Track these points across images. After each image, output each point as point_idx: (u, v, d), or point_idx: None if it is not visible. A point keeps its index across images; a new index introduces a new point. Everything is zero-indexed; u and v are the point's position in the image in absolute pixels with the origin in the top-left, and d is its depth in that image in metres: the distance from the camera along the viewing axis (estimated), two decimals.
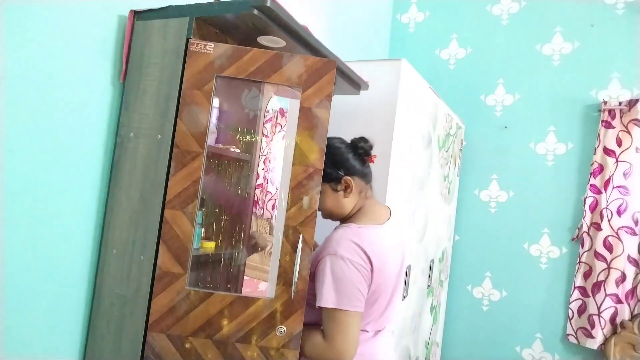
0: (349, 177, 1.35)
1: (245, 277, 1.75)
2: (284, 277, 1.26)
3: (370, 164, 1.43)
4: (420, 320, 2.39)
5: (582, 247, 2.59)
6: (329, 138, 1.36)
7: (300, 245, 1.25)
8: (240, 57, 1.26)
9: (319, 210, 1.38)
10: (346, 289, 1.23)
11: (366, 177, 1.40)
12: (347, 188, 1.36)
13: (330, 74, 1.31)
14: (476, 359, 2.86)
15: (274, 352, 1.25)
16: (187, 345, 1.24)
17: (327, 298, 1.23)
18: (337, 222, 1.44)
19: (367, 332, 1.35)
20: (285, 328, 1.25)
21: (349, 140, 1.42)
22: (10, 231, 1.16)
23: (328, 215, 1.42)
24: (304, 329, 1.27)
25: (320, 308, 1.25)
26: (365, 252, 1.26)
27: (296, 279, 1.24)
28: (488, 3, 3.00)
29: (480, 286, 2.90)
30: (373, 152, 1.43)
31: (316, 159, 1.27)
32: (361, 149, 1.38)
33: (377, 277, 1.28)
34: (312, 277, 1.29)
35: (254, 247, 1.76)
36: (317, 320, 1.31)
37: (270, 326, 1.25)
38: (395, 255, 1.38)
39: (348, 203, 1.37)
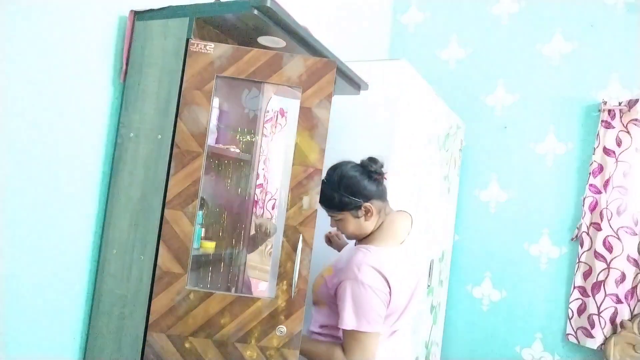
0: (368, 204, 1.38)
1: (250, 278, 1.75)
2: (284, 277, 1.26)
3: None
4: (420, 320, 2.39)
5: (582, 247, 2.59)
6: (341, 165, 1.41)
7: (300, 245, 1.25)
8: (240, 57, 1.26)
9: (343, 233, 1.44)
10: (366, 313, 1.28)
11: (382, 196, 1.43)
12: (367, 213, 1.39)
13: (330, 74, 1.31)
14: (476, 359, 2.86)
15: (274, 352, 1.25)
16: (187, 345, 1.24)
17: (347, 321, 1.29)
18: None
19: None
20: (285, 328, 1.25)
21: (358, 161, 1.44)
22: (11, 231, 1.16)
23: (352, 237, 1.47)
24: (326, 342, 1.36)
25: (343, 330, 1.32)
26: (384, 278, 1.31)
27: (296, 278, 1.24)
28: (488, 3, 3.00)
29: (480, 286, 2.90)
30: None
31: (316, 159, 1.28)
32: (374, 172, 1.41)
33: (395, 299, 1.34)
34: (333, 297, 1.36)
35: (265, 233, 1.76)
36: (330, 323, 1.39)
37: (270, 326, 1.25)
38: (411, 276, 1.43)
39: (370, 225, 1.42)
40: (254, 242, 1.73)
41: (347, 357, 1.30)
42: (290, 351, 1.26)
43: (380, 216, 1.43)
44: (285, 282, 1.26)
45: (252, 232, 1.72)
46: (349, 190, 1.38)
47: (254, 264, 1.78)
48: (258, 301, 1.26)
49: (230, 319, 1.25)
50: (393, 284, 1.32)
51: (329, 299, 1.38)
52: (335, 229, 1.51)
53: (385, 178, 1.45)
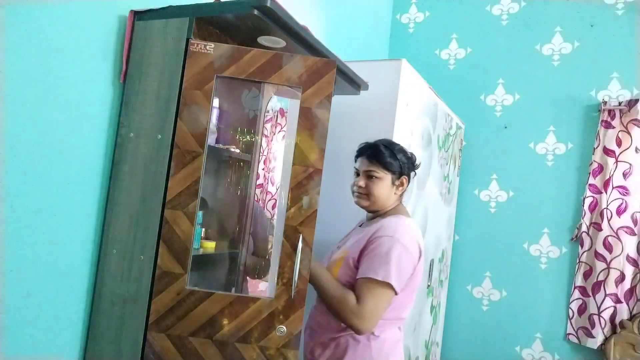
0: (406, 177, 1.50)
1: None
2: (284, 277, 1.26)
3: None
4: (420, 320, 2.39)
5: (582, 247, 2.59)
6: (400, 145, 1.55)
7: (300, 245, 1.25)
8: (240, 57, 1.26)
9: (369, 194, 1.47)
10: (393, 267, 1.31)
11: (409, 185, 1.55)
12: (401, 185, 1.49)
13: (330, 75, 1.31)
14: (476, 359, 2.86)
15: (274, 351, 1.26)
16: (188, 345, 1.24)
17: (369, 271, 1.32)
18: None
19: (391, 320, 1.42)
20: (285, 328, 1.26)
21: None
22: (11, 231, 1.16)
23: (373, 202, 1.48)
24: (341, 286, 1.36)
25: (361, 278, 1.33)
26: (418, 243, 1.41)
27: (296, 278, 1.24)
28: (488, 3, 3.00)
29: (480, 286, 2.90)
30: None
31: (316, 159, 1.28)
32: (416, 167, 1.56)
33: (419, 265, 1.42)
34: (355, 273, 1.38)
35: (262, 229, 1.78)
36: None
37: (270, 326, 1.25)
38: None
39: (392, 199, 1.49)
40: (255, 248, 1.74)
41: (359, 306, 1.29)
42: (291, 351, 1.26)
43: (399, 200, 1.53)
44: (285, 282, 1.26)
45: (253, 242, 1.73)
46: (406, 159, 1.50)
47: (254, 264, 1.78)
48: (258, 301, 1.26)
49: (231, 319, 1.25)
50: (422, 251, 1.43)
51: (352, 278, 1.38)
52: (356, 187, 1.51)
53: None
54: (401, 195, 1.52)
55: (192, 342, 1.24)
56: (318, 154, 1.28)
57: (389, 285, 1.30)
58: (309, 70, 1.29)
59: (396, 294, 1.33)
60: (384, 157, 1.45)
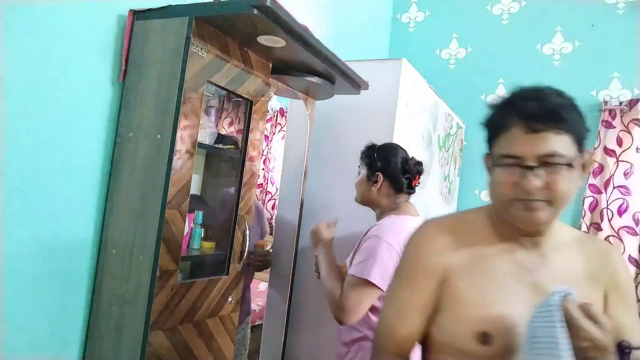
0: (380, 174, 1.51)
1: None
2: (236, 256, 1.53)
3: (417, 186, 1.58)
4: None
5: None
6: (396, 146, 1.59)
7: (247, 228, 1.55)
8: (220, 67, 1.35)
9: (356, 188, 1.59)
10: (375, 265, 1.34)
11: (399, 187, 1.53)
12: (376, 182, 1.52)
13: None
14: None
15: (227, 318, 1.52)
16: (177, 336, 1.32)
17: (354, 268, 1.37)
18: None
19: None
20: (232, 297, 1.52)
21: (410, 155, 1.58)
22: (10, 231, 1.16)
23: (358, 196, 1.58)
24: (335, 279, 1.43)
25: (348, 275, 1.40)
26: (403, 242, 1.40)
27: (245, 256, 1.54)
28: (488, 3, 3.00)
29: None
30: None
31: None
32: (408, 169, 1.53)
33: None
34: (353, 254, 1.45)
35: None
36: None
37: (225, 298, 1.49)
38: None
39: (375, 195, 1.53)
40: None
41: (342, 298, 1.35)
42: (235, 314, 1.54)
43: (389, 201, 1.53)
44: (237, 259, 1.53)
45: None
46: (382, 156, 1.53)
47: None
48: (220, 280, 1.48)
49: (204, 300, 1.41)
50: None
51: None
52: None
53: (417, 182, 1.56)
54: (390, 198, 1.52)
55: (180, 330, 1.34)
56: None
57: (369, 282, 1.33)
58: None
59: (383, 290, 1.35)
60: (362, 153, 1.56)
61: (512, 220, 0.81)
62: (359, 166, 1.59)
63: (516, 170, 0.76)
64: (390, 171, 1.51)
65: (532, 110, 0.75)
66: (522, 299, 0.80)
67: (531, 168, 0.75)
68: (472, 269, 0.84)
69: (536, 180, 0.75)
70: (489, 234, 0.86)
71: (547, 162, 0.75)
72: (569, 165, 0.75)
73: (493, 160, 0.81)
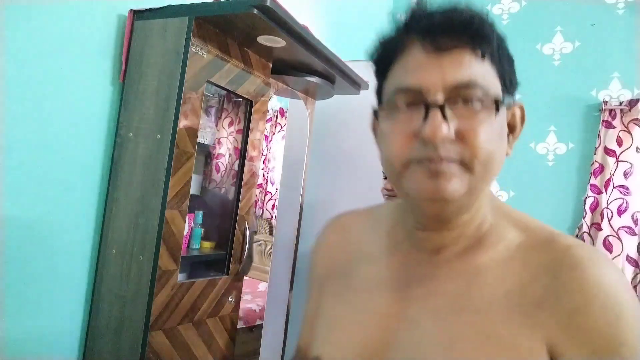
0: None
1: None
2: (236, 256, 1.53)
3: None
4: None
5: None
6: None
7: (247, 232, 1.55)
8: (221, 66, 1.34)
9: None
10: None
11: None
12: None
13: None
14: None
15: (227, 318, 1.52)
16: (177, 335, 1.33)
17: None
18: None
19: None
20: (232, 297, 1.52)
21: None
22: (10, 231, 1.15)
23: None
24: None
25: None
26: None
27: (245, 257, 1.55)
28: (488, 2, 3.00)
29: None
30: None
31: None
32: None
33: None
34: None
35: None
36: None
37: (225, 298, 1.50)
38: None
39: None
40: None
41: None
42: (235, 314, 1.54)
43: None
44: (236, 260, 1.53)
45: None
46: None
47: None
48: (220, 280, 1.47)
49: (204, 300, 1.42)
50: None
51: None
52: None
53: None
54: None
55: (180, 330, 1.33)
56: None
57: None
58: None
59: None
60: None
61: (408, 199, 0.52)
62: None
63: (414, 112, 0.49)
64: None
65: (437, 22, 0.51)
66: (379, 325, 0.54)
67: (437, 107, 0.47)
68: (339, 277, 0.62)
69: (444, 126, 0.46)
70: (384, 229, 0.62)
71: (460, 97, 0.48)
72: (493, 108, 0.49)
73: (382, 110, 0.56)
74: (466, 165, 0.48)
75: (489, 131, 0.49)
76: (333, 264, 0.65)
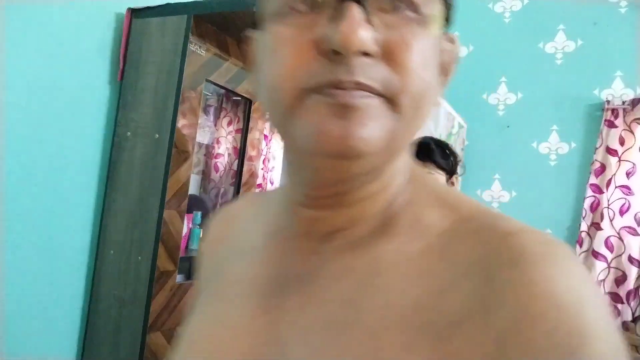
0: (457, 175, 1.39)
1: None
2: None
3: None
4: None
5: (581, 246, 2.57)
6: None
7: None
8: (219, 65, 1.33)
9: None
10: None
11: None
12: (453, 185, 1.39)
13: None
14: None
15: None
16: (176, 337, 1.27)
17: None
18: None
19: None
20: None
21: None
22: (8, 232, 1.14)
23: None
24: None
25: None
26: None
27: None
28: (490, 1, 2.98)
29: None
30: None
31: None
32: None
33: None
34: None
35: None
36: None
37: None
38: None
39: None
40: None
41: None
42: None
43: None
44: None
45: None
46: (454, 154, 1.39)
47: None
48: None
49: None
50: None
51: None
52: None
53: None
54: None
55: (178, 331, 1.28)
56: None
57: None
58: None
59: None
60: (434, 153, 1.32)
61: (297, 154, 0.35)
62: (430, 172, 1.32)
63: (318, 15, 0.31)
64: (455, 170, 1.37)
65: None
66: (238, 349, 0.37)
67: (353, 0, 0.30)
68: (211, 280, 0.47)
69: (365, 27, 0.29)
70: (271, 213, 0.44)
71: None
72: (431, 22, 0.32)
73: (268, 19, 0.34)
74: (392, 100, 0.31)
75: (426, 53, 0.32)
76: (211, 265, 0.49)
